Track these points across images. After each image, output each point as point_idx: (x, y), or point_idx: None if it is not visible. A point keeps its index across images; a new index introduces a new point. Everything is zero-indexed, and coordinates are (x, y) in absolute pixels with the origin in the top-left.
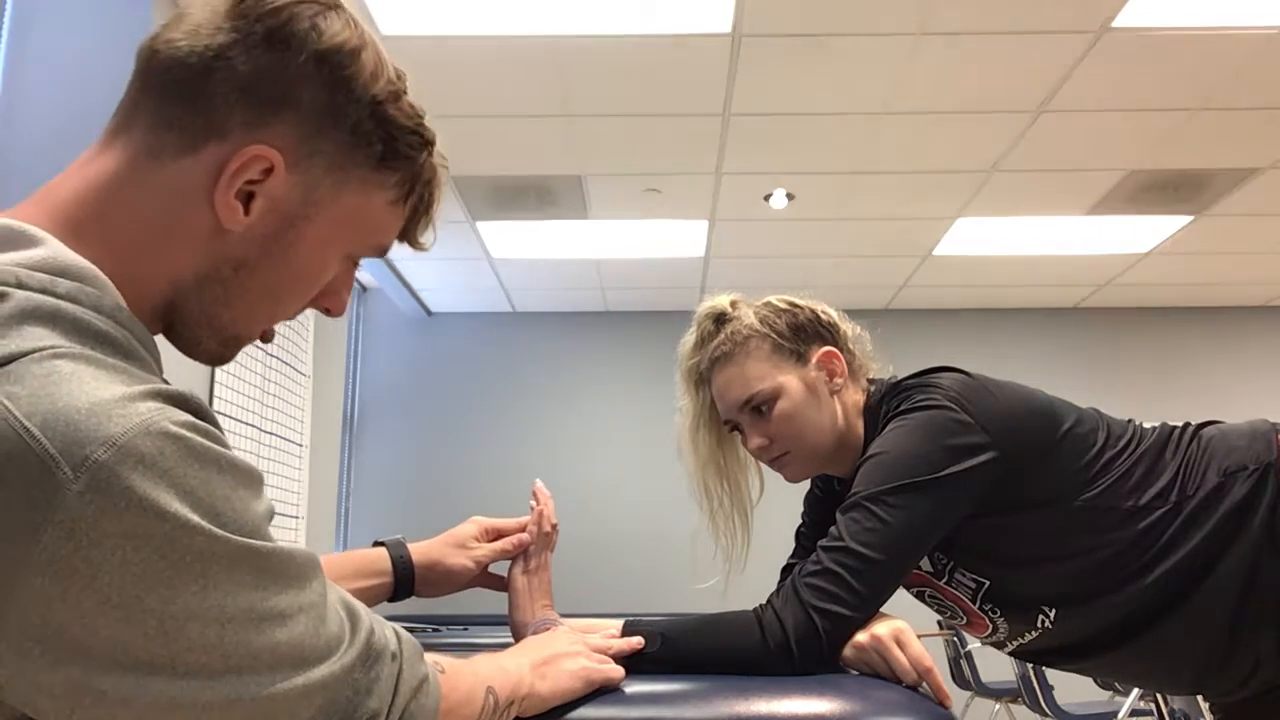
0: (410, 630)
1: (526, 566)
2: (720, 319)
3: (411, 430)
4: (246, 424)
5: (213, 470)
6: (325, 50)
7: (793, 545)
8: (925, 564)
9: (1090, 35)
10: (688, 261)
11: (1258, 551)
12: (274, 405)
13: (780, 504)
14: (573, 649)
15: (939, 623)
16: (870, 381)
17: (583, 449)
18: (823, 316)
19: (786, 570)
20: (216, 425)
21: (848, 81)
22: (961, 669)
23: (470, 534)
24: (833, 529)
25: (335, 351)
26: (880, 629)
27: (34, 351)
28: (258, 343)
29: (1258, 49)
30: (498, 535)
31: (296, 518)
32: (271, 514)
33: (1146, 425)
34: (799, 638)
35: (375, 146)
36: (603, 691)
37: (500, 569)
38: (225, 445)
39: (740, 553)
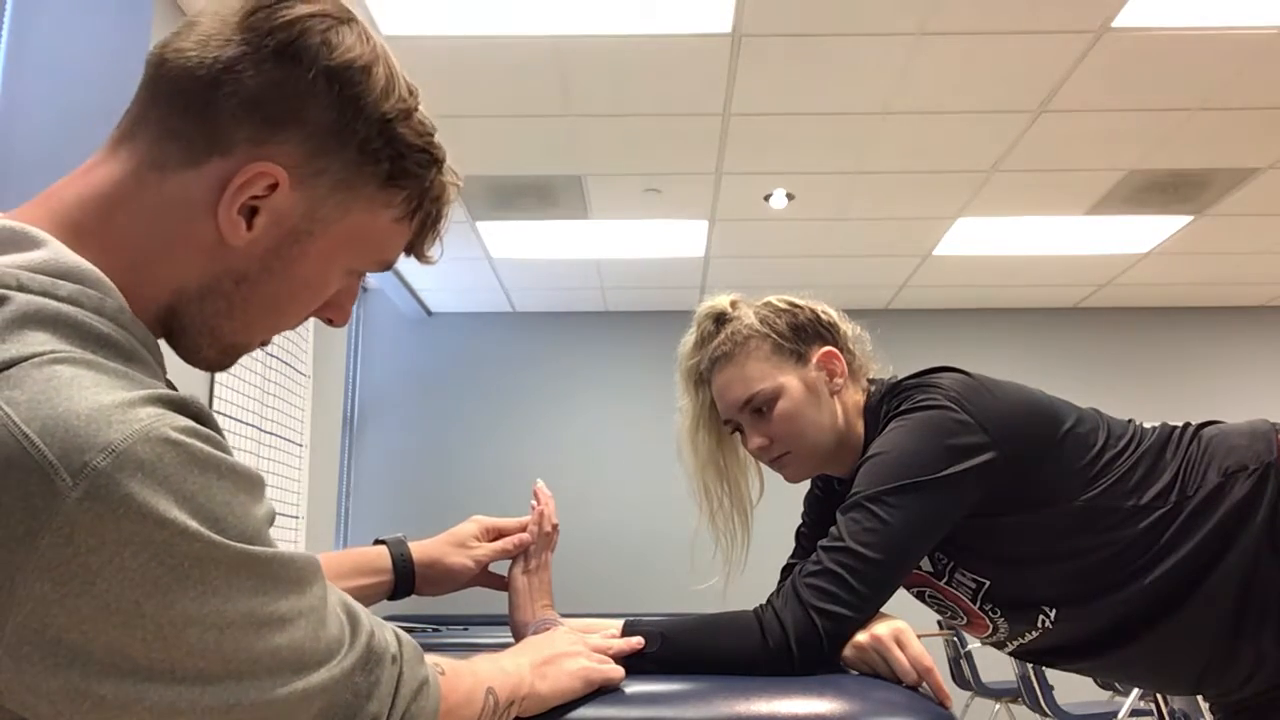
0: (410, 630)
1: (527, 566)
2: (720, 319)
3: (411, 430)
4: (246, 424)
5: (212, 476)
6: (335, 67)
7: (793, 545)
8: (925, 564)
9: (1090, 35)
10: (688, 261)
11: (1258, 551)
12: (274, 405)
13: (780, 504)
14: (573, 649)
15: (939, 623)
16: (870, 381)
17: (582, 449)
18: (823, 316)
19: (787, 570)
20: (217, 430)
21: (848, 81)
22: (961, 669)
23: (471, 533)
24: (833, 529)
25: (335, 351)
26: (880, 629)
27: (34, 356)
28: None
29: (1258, 49)
30: (498, 534)
31: (296, 518)
32: (272, 518)
33: (1146, 425)
34: (799, 638)
35: (382, 165)
36: (603, 691)
37: (500, 568)
38: (226, 450)
39: (740, 553)
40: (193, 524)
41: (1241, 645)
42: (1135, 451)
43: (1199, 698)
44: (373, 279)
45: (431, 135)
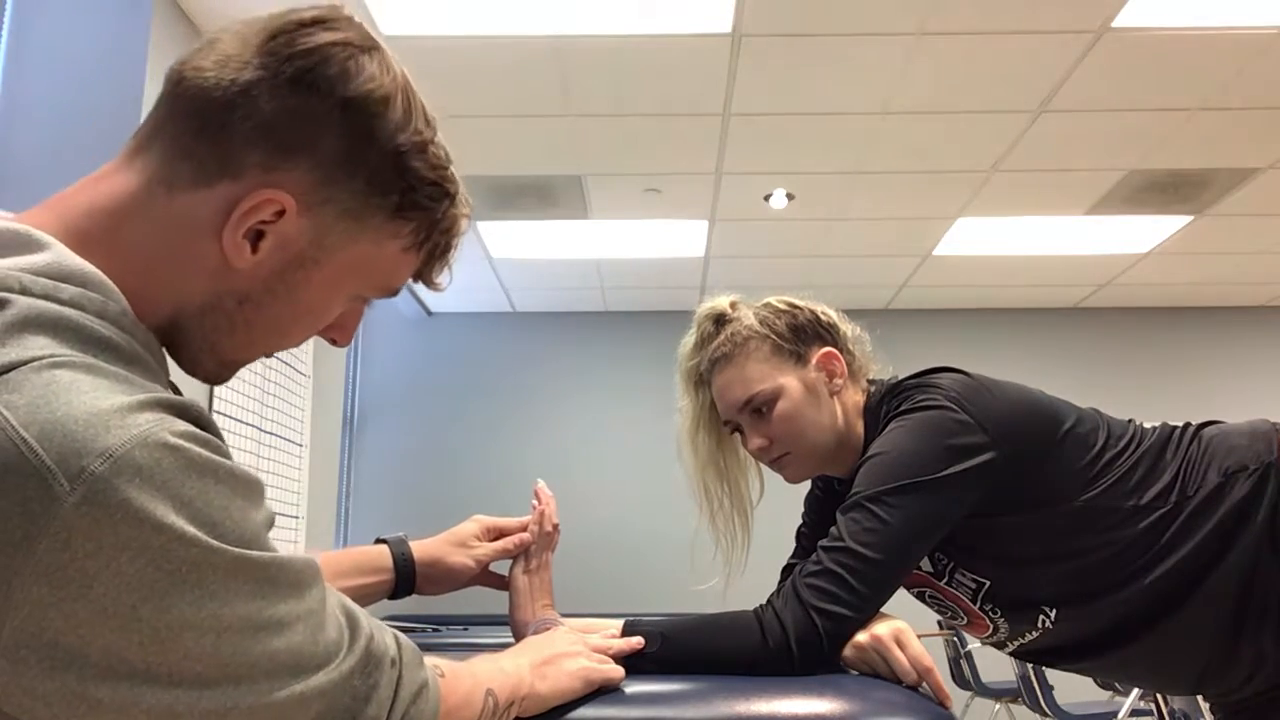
0: (410, 630)
1: (527, 566)
2: (720, 320)
3: (411, 430)
4: (246, 424)
5: (210, 481)
6: (352, 97)
7: (793, 545)
8: (925, 564)
9: (1090, 35)
10: (688, 261)
11: (1258, 551)
12: (274, 405)
13: (780, 504)
14: (573, 649)
15: (939, 623)
16: (870, 382)
17: (582, 449)
18: (822, 317)
19: (787, 570)
20: (218, 434)
21: (847, 81)
22: (961, 669)
23: (472, 532)
24: (833, 529)
25: (335, 351)
26: (880, 629)
27: (34, 360)
28: None
29: (1258, 49)
30: (499, 534)
31: (296, 518)
32: (271, 522)
33: (1146, 425)
34: (799, 638)
35: (392, 196)
36: (603, 691)
37: (501, 568)
38: (226, 454)
39: (740, 554)
40: (190, 529)
41: (1241, 645)
42: (1135, 451)
43: (1199, 698)
44: None
45: (445, 168)
